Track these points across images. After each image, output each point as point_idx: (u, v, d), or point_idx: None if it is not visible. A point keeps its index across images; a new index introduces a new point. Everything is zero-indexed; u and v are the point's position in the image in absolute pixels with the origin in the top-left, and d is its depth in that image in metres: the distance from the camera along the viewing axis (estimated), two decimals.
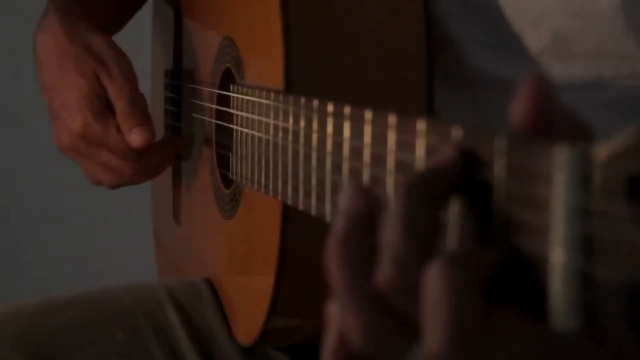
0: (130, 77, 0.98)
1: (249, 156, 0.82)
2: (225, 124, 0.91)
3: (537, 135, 0.42)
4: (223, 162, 0.94)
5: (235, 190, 0.91)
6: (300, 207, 0.68)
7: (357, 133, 0.57)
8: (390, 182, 0.52)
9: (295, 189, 0.69)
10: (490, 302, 0.42)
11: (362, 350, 0.48)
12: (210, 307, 0.96)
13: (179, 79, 1.10)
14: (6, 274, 2.10)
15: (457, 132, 0.46)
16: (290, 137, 0.70)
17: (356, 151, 0.57)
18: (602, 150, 0.37)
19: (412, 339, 0.46)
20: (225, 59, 0.92)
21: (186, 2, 1.08)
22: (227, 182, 0.93)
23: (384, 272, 0.45)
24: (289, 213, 0.78)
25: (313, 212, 0.65)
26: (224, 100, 0.92)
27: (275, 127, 0.74)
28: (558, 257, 0.39)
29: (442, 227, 0.45)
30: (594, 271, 0.38)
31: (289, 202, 0.71)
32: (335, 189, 0.61)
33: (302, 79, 0.78)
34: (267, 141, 0.76)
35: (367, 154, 0.56)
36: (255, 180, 0.80)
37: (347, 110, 0.59)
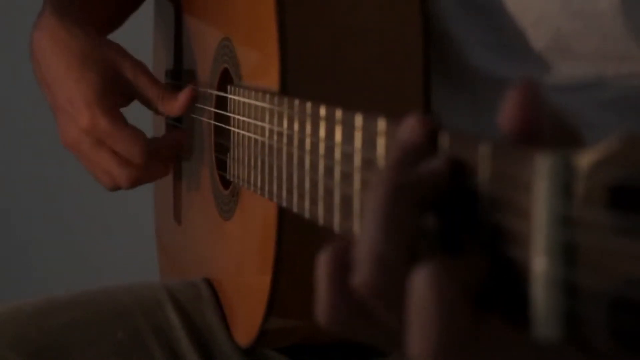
0: (146, 68, 0.99)
1: (246, 158, 0.82)
2: (223, 125, 0.91)
3: (525, 141, 0.41)
4: (221, 163, 0.94)
5: (233, 191, 0.91)
6: (295, 209, 0.68)
7: (348, 137, 0.57)
8: None
9: (289, 191, 0.69)
10: (476, 310, 0.42)
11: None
12: (210, 307, 0.96)
13: (179, 79, 1.10)
14: (6, 274, 2.10)
15: (443, 138, 0.46)
16: (284, 140, 0.70)
17: (347, 155, 0.57)
18: (584, 158, 0.37)
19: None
20: (223, 60, 0.92)
21: (186, 1, 1.08)
22: (226, 182, 0.93)
23: (362, 275, 0.45)
24: (285, 214, 0.78)
25: (307, 215, 0.65)
26: (222, 101, 0.92)
27: (271, 130, 0.74)
28: (540, 265, 0.39)
29: (426, 233, 0.45)
30: (575, 280, 0.38)
31: (284, 204, 0.71)
32: (328, 192, 0.61)
33: (298, 80, 0.78)
34: (263, 143, 0.76)
35: (357, 159, 0.56)
36: (252, 182, 0.80)
37: (338, 114, 0.59)
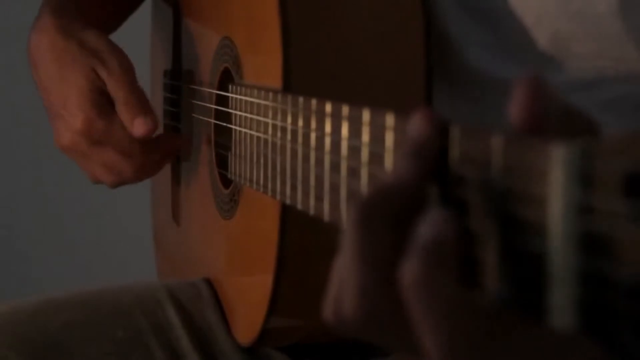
0: (128, 70, 0.98)
1: (248, 156, 0.82)
2: (224, 124, 0.91)
3: (536, 133, 0.42)
4: (222, 162, 0.94)
5: (234, 190, 0.91)
6: (299, 206, 0.68)
7: (355, 132, 0.57)
8: None
9: (293, 188, 0.69)
10: (493, 307, 0.43)
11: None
12: (210, 307, 0.96)
13: (178, 79, 1.09)
14: (6, 274, 2.10)
15: (454, 132, 0.47)
16: (288, 137, 0.70)
17: (354, 150, 0.57)
18: (599, 146, 0.38)
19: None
20: (223, 59, 0.92)
21: (185, 1, 1.08)
22: (226, 182, 0.93)
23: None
24: (287, 212, 0.78)
25: (312, 211, 0.65)
26: (222, 100, 0.92)
27: (274, 126, 0.74)
28: (556, 254, 0.39)
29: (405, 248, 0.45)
30: (592, 269, 0.38)
31: (288, 201, 0.71)
32: (334, 188, 0.61)
33: (301, 79, 0.78)
34: (266, 141, 0.76)
35: (365, 153, 0.56)
36: (254, 180, 0.80)
37: (345, 110, 0.59)
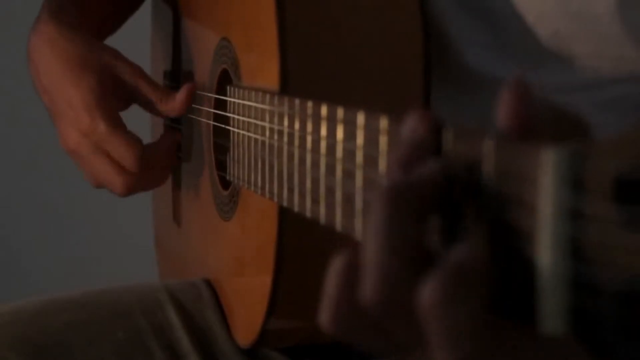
0: (143, 72, 0.99)
1: (246, 158, 0.82)
2: (222, 126, 0.91)
3: (524, 136, 0.41)
4: (221, 164, 0.94)
5: (233, 192, 0.91)
6: (296, 209, 0.68)
7: (350, 135, 0.57)
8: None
9: (290, 191, 0.69)
10: (493, 316, 0.42)
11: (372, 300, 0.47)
12: (210, 307, 0.96)
13: (177, 80, 1.09)
14: (6, 275, 2.10)
15: (447, 134, 0.46)
16: (285, 139, 0.70)
17: (349, 153, 0.57)
18: (590, 152, 0.37)
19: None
20: (222, 60, 0.92)
21: (184, 2, 1.08)
22: (225, 183, 0.93)
23: (369, 288, 0.45)
24: (285, 214, 0.78)
25: (308, 214, 0.65)
26: (221, 102, 0.92)
27: (271, 129, 0.74)
28: (546, 259, 0.39)
29: (431, 239, 0.45)
30: (582, 274, 0.38)
31: (285, 204, 0.71)
32: (330, 191, 0.61)
33: (298, 80, 0.78)
34: (263, 143, 0.76)
35: (359, 156, 0.56)
36: (252, 182, 0.80)
37: (340, 113, 0.59)
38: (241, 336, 0.91)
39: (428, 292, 0.42)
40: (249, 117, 0.81)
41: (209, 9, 0.98)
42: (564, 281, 0.38)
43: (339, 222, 0.59)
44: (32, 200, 2.11)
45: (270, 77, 0.78)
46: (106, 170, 0.98)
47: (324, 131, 0.62)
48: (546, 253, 0.39)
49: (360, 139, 0.56)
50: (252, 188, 0.80)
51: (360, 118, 0.56)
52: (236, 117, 0.84)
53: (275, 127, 0.73)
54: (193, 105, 1.03)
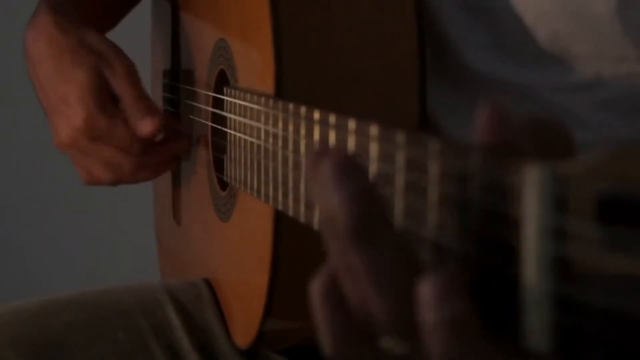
0: (132, 71, 0.98)
1: (242, 160, 0.81)
2: (220, 127, 0.91)
3: (506, 153, 0.41)
4: (219, 165, 0.94)
5: (230, 193, 0.91)
6: (290, 213, 0.68)
7: (341, 142, 0.57)
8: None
9: (285, 195, 0.69)
10: (487, 330, 0.42)
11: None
12: (210, 308, 0.96)
13: (177, 79, 1.09)
14: (7, 274, 2.10)
15: (434, 146, 0.46)
16: (280, 143, 0.70)
17: None
18: (573, 170, 0.37)
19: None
20: (219, 61, 0.92)
21: (183, 1, 1.08)
22: (223, 184, 0.93)
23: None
24: (281, 215, 0.78)
25: (302, 219, 0.65)
26: (218, 102, 0.92)
27: (266, 132, 0.74)
28: (530, 277, 0.39)
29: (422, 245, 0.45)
30: (566, 292, 0.38)
31: (280, 207, 0.70)
32: None
33: (293, 82, 0.77)
34: (259, 146, 0.76)
35: None
36: (248, 184, 0.80)
37: (332, 118, 0.59)
38: (239, 337, 0.91)
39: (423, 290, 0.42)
40: (244, 118, 0.80)
41: (207, 9, 0.98)
42: (548, 298, 0.38)
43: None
44: (32, 199, 2.11)
45: (266, 78, 0.78)
46: (112, 154, 0.97)
47: (316, 136, 0.62)
48: (530, 270, 0.38)
49: (351, 145, 0.56)
50: (249, 190, 0.80)
51: (352, 124, 0.56)
52: (233, 118, 0.84)
53: (270, 130, 0.72)
54: (192, 104, 1.03)
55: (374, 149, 0.53)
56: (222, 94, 0.88)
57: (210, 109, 0.95)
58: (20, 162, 2.10)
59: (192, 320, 0.95)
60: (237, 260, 0.91)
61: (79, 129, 0.97)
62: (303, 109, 0.65)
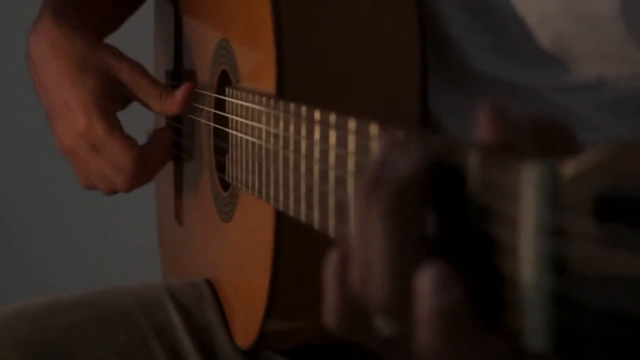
0: (142, 67, 0.99)
1: (244, 160, 0.82)
2: (222, 127, 0.91)
3: (507, 151, 0.41)
4: (220, 165, 0.94)
5: (232, 193, 0.91)
6: (291, 213, 0.68)
7: (342, 141, 0.57)
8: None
9: (286, 195, 0.69)
10: (481, 320, 0.43)
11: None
12: (212, 308, 0.96)
13: (179, 79, 1.09)
14: (7, 275, 2.10)
15: (434, 143, 0.46)
16: (281, 143, 0.70)
17: (341, 160, 0.57)
18: (570, 168, 0.37)
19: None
20: (221, 61, 0.92)
21: (186, 2, 1.08)
22: (225, 184, 0.93)
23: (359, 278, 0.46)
24: (283, 215, 0.78)
25: (303, 218, 0.65)
26: (220, 103, 0.92)
27: (267, 132, 0.74)
28: (528, 275, 0.39)
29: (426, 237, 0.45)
30: (564, 291, 0.37)
31: (281, 208, 0.70)
32: (323, 196, 0.61)
33: (295, 83, 0.77)
34: (260, 146, 0.76)
35: (351, 163, 0.56)
36: (250, 184, 0.80)
37: (332, 118, 0.59)
38: (240, 337, 0.91)
39: (426, 279, 0.43)
40: (246, 119, 0.80)
41: (210, 9, 0.98)
42: (547, 297, 0.38)
43: (331, 228, 0.59)
44: (34, 200, 2.11)
45: (267, 79, 0.78)
46: (105, 169, 0.98)
47: (317, 136, 0.62)
48: (528, 268, 0.38)
49: (352, 146, 0.56)
50: (250, 190, 0.80)
51: (352, 124, 0.56)
52: (235, 118, 0.84)
53: (272, 130, 0.72)
54: (194, 105, 1.03)
55: (374, 148, 0.53)
56: (224, 95, 0.88)
57: (212, 109, 0.95)
58: (21, 163, 2.10)
59: (193, 320, 0.95)
60: (239, 260, 0.91)
61: (81, 134, 0.97)
62: (304, 109, 0.65)
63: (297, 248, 0.79)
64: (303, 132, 0.64)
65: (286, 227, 0.79)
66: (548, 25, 0.79)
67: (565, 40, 0.79)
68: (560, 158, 0.38)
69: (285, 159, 0.69)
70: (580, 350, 0.37)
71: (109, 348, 0.92)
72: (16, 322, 0.93)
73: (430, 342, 0.43)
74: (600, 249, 0.35)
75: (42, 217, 2.11)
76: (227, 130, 0.88)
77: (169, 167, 1.11)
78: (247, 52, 0.85)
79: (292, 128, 0.67)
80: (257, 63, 0.82)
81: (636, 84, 0.80)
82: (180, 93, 0.99)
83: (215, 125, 0.94)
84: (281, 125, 0.70)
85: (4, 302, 0.97)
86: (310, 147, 0.63)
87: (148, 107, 1.01)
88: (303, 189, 0.65)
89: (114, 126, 0.97)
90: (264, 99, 0.75)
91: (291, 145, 0.67)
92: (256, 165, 0.77)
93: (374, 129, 0.52)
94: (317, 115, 0.62)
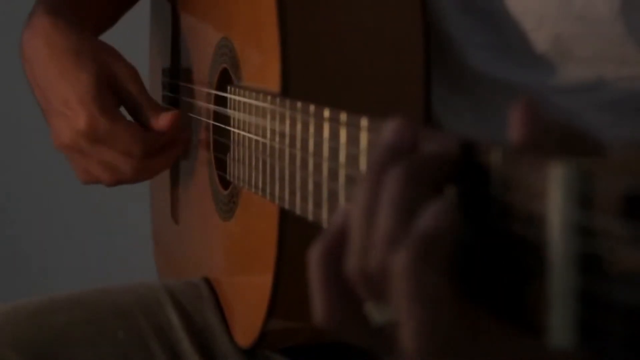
0: (137, 75, 0.98)
1: (246, 159, 0.81)
2: (222, 126, 0.91)
3: (534, 151, 0.41)
4: (220, 163, 0.94)
5: (233, 192, 0.90)
6: (298, 212, 0.68)
7: (352, 139, 0.57)
8: None
9: (292, 193, 0.68)
10: (464, 299, 0.43)
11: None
12: (211, 307, 0.96)
13: (176, 77, 1.09)
14: (7, 274, 2.10)
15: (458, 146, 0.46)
16: (287, 141, 0.70)
17: (352, 158, 0.57)
18: (598, 167, 0.37)
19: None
20: (222, 59, 0.92)
21: (184, 0, 1.08)
22: (225, 182, 0.93)
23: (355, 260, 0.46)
24: (286, 214, 0.78)
25: (310, 217, 0.65)
26: (221, 101, 0.92)
27: (272, 130, 0.74)
28: (556, 273, 0.39)
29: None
30: (591, 289, 0.38)
31: (286, 206, 0.70)
32: (332, 195, 0.60)
33: (299, 81, 0.77)
34: (264, 145, 0.76)
35: (363, 161, 0.56)
36: (253, 183, 0.80)
37: (343, 116, 0.59)
38: (241, 337, 0.91)
39: (397, 260, 0.45)
40: (250, 117, 0.80)
41: (210, 7, 0.97)
42: (573, 295, 0.38)
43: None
44: (32, 200, 2.10)
45: (271, 78, 0.78)
46: (113, 157, 0.97)
47: (326, 134, 0.62)
48: (556, 267, 0.38)
49: (364, 143, 0.56)
50: (253, 189, 0.80)
51: (364, 122, 0.56)
52: (237, 116, 0.84)
53: (277, 129, 0.72)
54: (192, 102, 1.02)
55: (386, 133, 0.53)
56: (226, 92, 0.88)
57: (213, 107, 0.95)
58: (21, 162, 2.09)
59: (192, 320, 0.95)
60: (239, 259, 0.91)
61: (81, 132, 0.96)
62: (312, 107, 0.64)
63: (300, 246, 0.79)
64: (311, 129, 0.64)
65: (290, 226, 0.79)
66: (548, 26, 0.79)
67: (565, 41, 0.79)
68: (586, 157, 0.38)
69: (292, 157, 0.68)
70: (605, 348, 0.37)
71: (107, 347, 0.92)
72: (15, 320, 0.93)
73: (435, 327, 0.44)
74: (628, 248, 0.35)
75: (40, 216, 2.11)
76: (228, 128, 0.88)
77: None
78: (250, 52, 0.85)
79: (299, 126, 0.67)
80: (261, 62, 0.82)
81: (636, 84, 0.80)
82: (164, 119, 0.96)
83: (215, 123, 0.94)
84: (288, 122, 0.70)
85: (3, 301, 0.96)
86: (318, 145, 0.63)
87: (134, 116, 0.99)
88: (310, 187, 0.65)
89: (117, 118, 0.96)
90: (270, 97, 0.75)
91: (298, 144, 0.67)
92: (260, 163, 0.77)
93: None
94: (326, 113, 0.62)
